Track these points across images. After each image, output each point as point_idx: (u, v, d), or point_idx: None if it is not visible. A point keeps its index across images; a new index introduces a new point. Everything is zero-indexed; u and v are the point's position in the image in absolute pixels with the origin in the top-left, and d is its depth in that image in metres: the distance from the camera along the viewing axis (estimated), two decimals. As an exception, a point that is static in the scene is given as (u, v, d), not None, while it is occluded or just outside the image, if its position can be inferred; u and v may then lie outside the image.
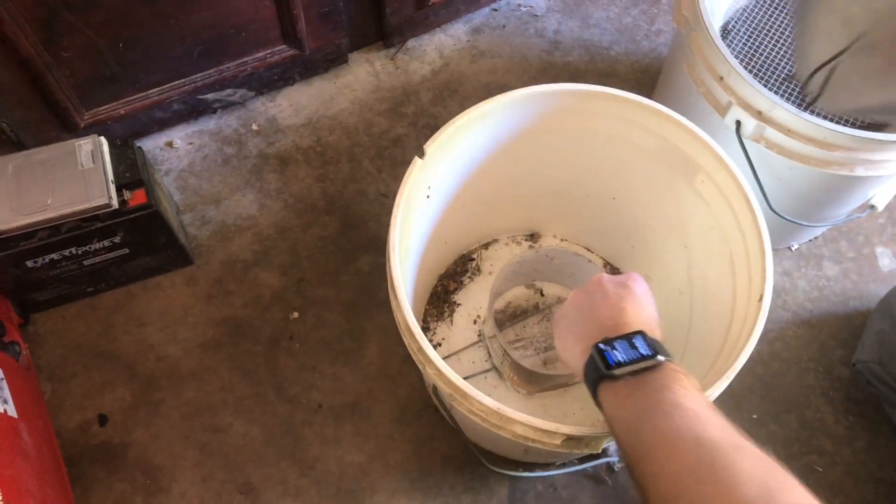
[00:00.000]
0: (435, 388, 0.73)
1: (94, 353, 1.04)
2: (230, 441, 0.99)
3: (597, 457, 0.72)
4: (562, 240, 1.11)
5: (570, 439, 0.71)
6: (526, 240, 1.11)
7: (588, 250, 1.11)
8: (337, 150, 1.19)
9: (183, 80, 1.08)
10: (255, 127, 1.19)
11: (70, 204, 0.87)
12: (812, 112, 0.88)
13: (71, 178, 0.88)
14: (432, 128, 1.21)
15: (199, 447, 0.99)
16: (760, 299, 0.73)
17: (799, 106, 0.84)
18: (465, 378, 0.71)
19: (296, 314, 1.07)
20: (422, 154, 0.78)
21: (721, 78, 0.90)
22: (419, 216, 0.86)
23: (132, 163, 0.93)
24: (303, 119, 1.21)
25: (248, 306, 1.07)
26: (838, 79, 0.90)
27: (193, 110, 1.15)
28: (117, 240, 0.95)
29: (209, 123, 1.19)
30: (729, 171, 0.79)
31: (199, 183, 1.15)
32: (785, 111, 0.84)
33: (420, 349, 0.72)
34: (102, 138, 0.92)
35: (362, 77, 1.25)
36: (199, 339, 1.05)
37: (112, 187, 0.90)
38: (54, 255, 0.93)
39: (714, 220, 0.84)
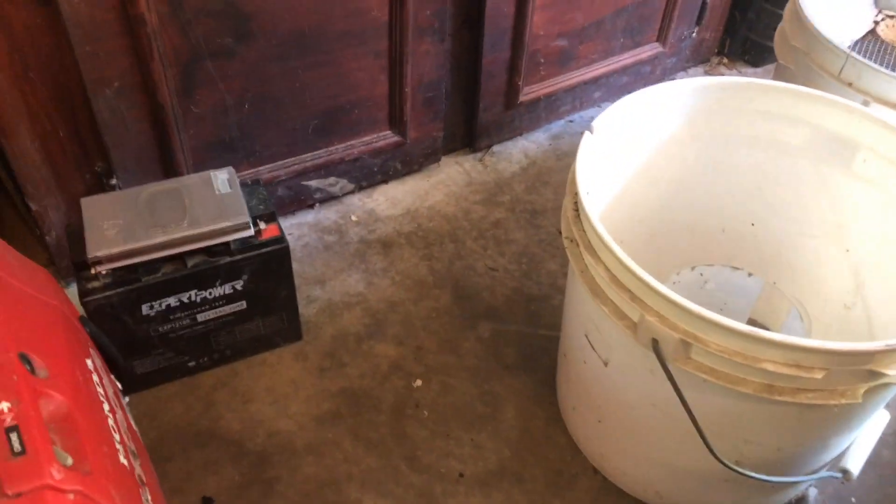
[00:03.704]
0: (655, 344, 0.63)
1: (193, 433, 0.90)
2: (360, 519, 0.83)
3: None
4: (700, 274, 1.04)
5: (830, 375, 0.60)
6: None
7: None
8: (439, 233, 1.16)
9: (293, 159, 1.08)
10: (354, 218, 1.17)
11: (208, 222, 0.82)
12: None
13: (208, 200, 0.84)
14: (530, 212, 1.21)
15: (323, 528, 0.82)
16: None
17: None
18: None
19: (419, 382, 0.96)
20: (591, 129, 0.77)
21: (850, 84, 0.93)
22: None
23: (264, 198, 0.90)
24: (401, 210, 1.19)
25: (365, 377, 0.97)
26: None
27: (295, 199, 1.14)
28: (239, 286, 0.88)
29: (307, 217, 1.17)
30: (897, 132, 0.78)
31: (300, 267, 1.09)
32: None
33: (645, 290, 0.64)
34: (233, 169, 0.89)
35: (454, 175, 1.26)
36: (314, 412, 0.92)
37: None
38: (171, 301, 0.85)
39: (886, 196, 0.81)
